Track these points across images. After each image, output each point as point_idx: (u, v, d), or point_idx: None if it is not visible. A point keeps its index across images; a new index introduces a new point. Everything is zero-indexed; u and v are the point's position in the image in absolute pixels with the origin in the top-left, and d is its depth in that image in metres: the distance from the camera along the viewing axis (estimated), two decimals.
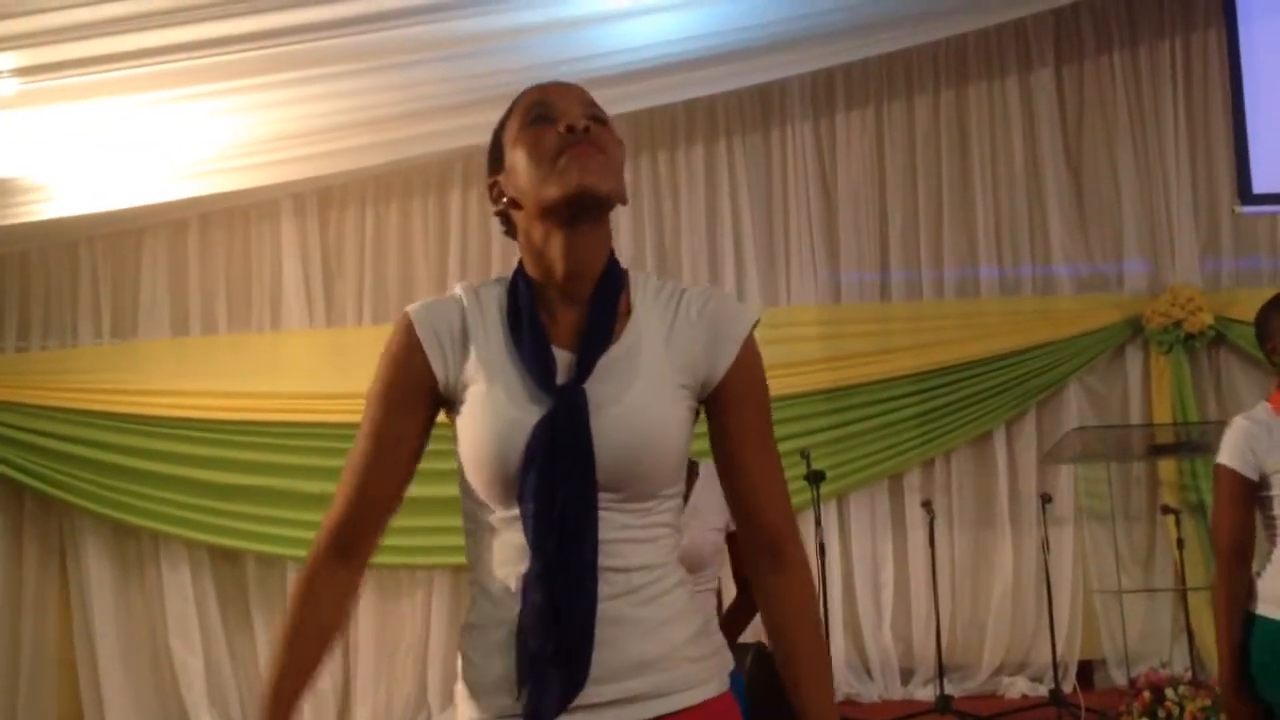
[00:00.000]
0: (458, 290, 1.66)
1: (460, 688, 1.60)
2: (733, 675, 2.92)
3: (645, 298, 1.63)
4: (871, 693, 6.79)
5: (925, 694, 6.56)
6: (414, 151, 6.69)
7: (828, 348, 6.92)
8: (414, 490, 6.23)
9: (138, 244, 7.02)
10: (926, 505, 6.58)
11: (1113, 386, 7.18)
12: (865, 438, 6.91)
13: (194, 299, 7.01)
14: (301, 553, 6.81)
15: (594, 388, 1.54)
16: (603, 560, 1.54)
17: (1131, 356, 7.17)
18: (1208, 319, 6.88)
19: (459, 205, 7.18)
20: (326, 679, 6.52)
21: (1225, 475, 2.93)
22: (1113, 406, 7.14)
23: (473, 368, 1.60)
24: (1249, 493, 2.91)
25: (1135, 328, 7.08)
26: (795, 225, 7.26)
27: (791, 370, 6.80)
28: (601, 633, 1.52)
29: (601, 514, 1.53)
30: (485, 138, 1.73)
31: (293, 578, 6.52)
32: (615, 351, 1.58)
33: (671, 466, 1.57)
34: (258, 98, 5.98)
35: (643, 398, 1.55)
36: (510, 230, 1.68)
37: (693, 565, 2.85)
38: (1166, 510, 6.55)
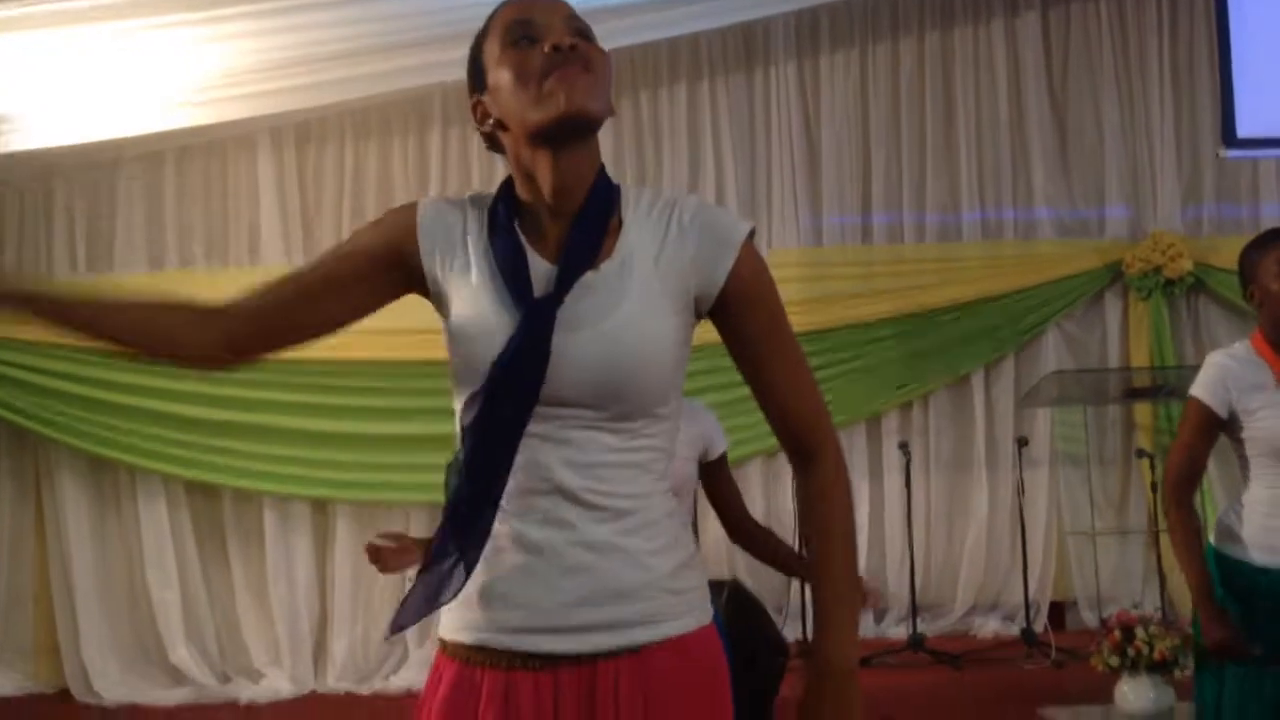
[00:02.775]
0: (467, 196, 1.66)
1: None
2: (715, 612, 2.96)
3: (637, 213, 1.61)
4: None
5: (898, 633, 6.63)
6: (393, 85, 6.60)
7: (808, 290, 6.92)
8: (394, 427, 6.22)
9: (113, 177, 6.93)
10: (903, 447, 6.62)
11: (1091, 332, 7.22)
12: (843, 379, 6.93)
13: (171, 233, 6.94)
14: (279, 488, 6.82)
15: (577, 304, 1.54)
16: (590, 484, 1.53)
17: (1111, 302, 7.22)
18: (1187, 265, 6.92)
19: (438, 141, 7.11)
20: (303, 613, 6.55)
21: (1194, 406, 2.96)
22: (1091, 352, 7.18)
23: (460, 275, 1.60)
24: (1213, 428, 2.94)
25: (1115, 273, 7.11)
26: (778, 167, 7.23)
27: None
28: (584, 558, 1.53)
29: (587, 434, 1.53)
30: (465, 73, 1.69)
31: (270, 514, 6.62)
32: (605, 268, 1.57)
33: (659, 384, 1.56)
34: (235, 27, 5.89)
35: (629, 314, 1.54)
36: (494, 147, 1.66)
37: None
38: (1141, 454, 6.62)
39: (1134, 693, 4.47)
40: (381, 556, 3.04)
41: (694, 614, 1.60)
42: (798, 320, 7.24)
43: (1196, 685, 3.06)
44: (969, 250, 7.20)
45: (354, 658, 6.55)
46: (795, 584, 6.52)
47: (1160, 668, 4.42)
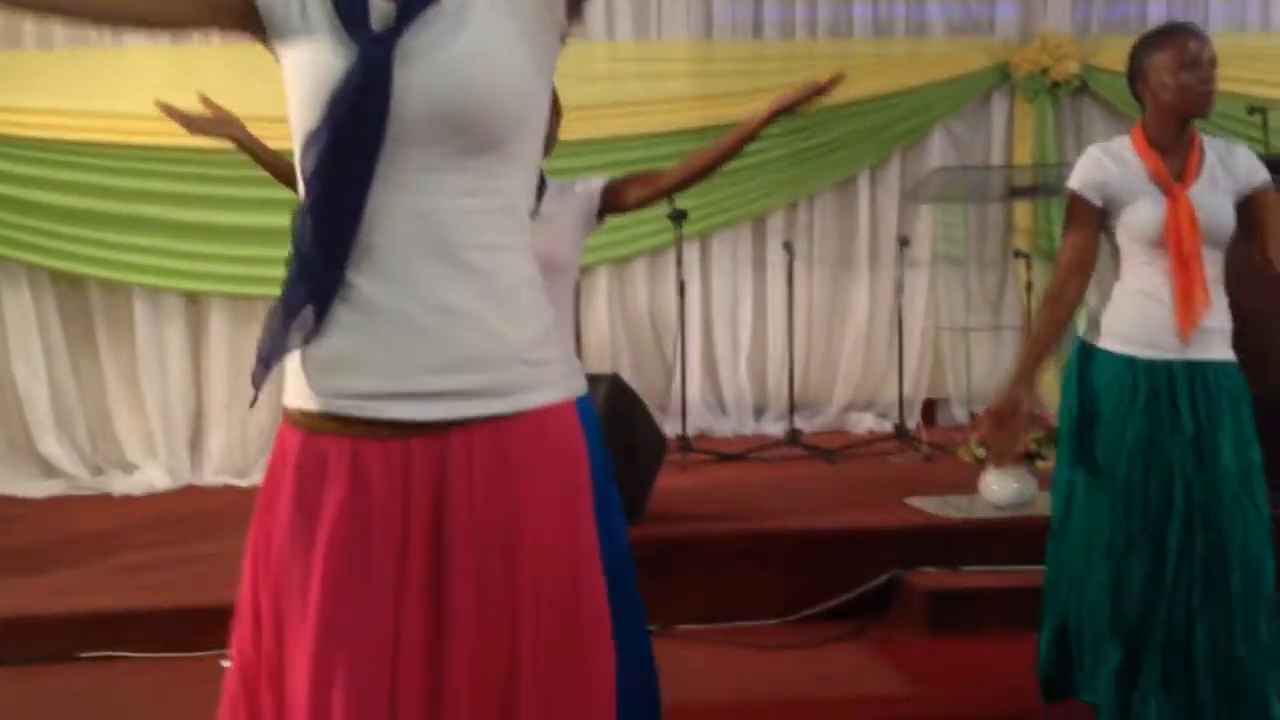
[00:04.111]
0: None
1: None
2: (583, 399, 2.95)
3: None
4: (725, 428, 6.98)
5: (776, 429, 6.77)
6: None
7: (697, 86, 6.80)
8: (268, 219, 6.00)
9: None
10: (788, 247, 6.63)
11: (977, 133, 7.24)
12: (730, 177, 6.87)
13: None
14: (149, 280, 6.60)
15: (417, 38, 1.47)
16: (441, 235, 1.48)
17: (997, 103, 7.23)
18: (1074, 68, 6.94)
19: None
20: (178, 406, 6.45)
21: (1072, 199, 2.99)
22: (975, 153, 7.22)
23: (298, 13, 1.53)
24: (1094, 217, 2.97)
25: (1003, 74, 7.10)
26: None
27: (661, 107, 6.72)
28: (434, 322, 1.47)
29: (437, 177, 1.48)
30: None
31: (141, 306, 6.43)
32: (446, 2, 1.50)
33: (506, 114, 1.50)
34: None
35: (470, 43, 1.48)
36: None
37: (549, 269, 2.81)
38: (1019, 254, 6.74)
39: (998, 483, 4.62)
40: (178, 114, 2.88)
41: (552, 388, 1.55)
42: (687, 117, 7.13)
43: (1054, 475, 3.16)
44: (859, 48, 7.11)
45: (231, 451, 6.49)
46: (676, 382, 6.58)
47: (1025, 458, 4.57)
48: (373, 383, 1.48)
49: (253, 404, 1.64)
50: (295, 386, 1.53)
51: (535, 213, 2.92)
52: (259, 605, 1.52)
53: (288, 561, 1.49)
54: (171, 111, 2.87)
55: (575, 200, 2.97)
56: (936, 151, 7.15)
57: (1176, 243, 2.87)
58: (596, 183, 2.99)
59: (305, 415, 1.52)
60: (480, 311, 1.49)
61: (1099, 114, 7.12)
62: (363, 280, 1.47)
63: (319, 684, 1.44)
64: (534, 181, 1.60)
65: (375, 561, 1.46)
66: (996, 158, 7.19)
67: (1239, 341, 3.03)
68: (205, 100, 2.94)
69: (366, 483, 1.47)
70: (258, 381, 1.53)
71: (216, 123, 2.94)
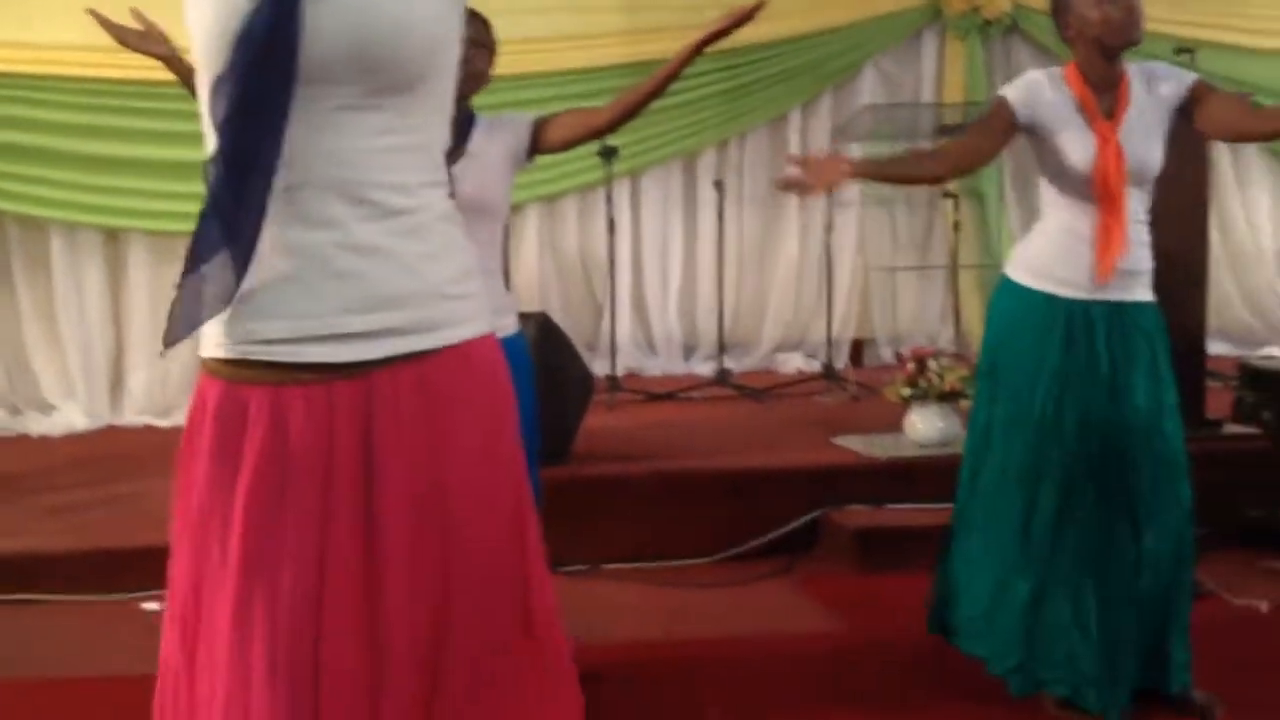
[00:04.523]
0: None
1: None
2: (515, 337, 2.92)
3: None
4: (654, 367, 6.99)
5: (706, 369, 6.77)
6: None
7: (628, 21, 6.71)
8: (189, 153, 5.85)
9: None
10: (718, 185, 6.60)
11: (907, 71, 7.24)
12: (661, 115, 6.81)
13: None
14: (63, 215, 6.46)
15: None
16: (356, 175, 1.44)
17: (928, 41, 7.24)
18: (1005, 5, 6.97)
19: None
20: (97, 345, 6.31)
21: (999, 102, 3.00)
22: (905, 91, 7.23)
23: None
24: (1009, 128, 2.97)
25: (935, 12, 7.09)
26: None
27: (589, 42, 6.64)
28: (351, 262, 1.44)
29: (351, 116, 1.43)
30: None
31: (57, 242, 6.26)
32: None
33: (420, 52, 1.45)
34: None
35: None
36: None
37: (478, 208, 2.77)
38: (947, 195, 6.78)
39: (923, 421, 4.67)
40: (111, 25, 2.81)
41: (474, 321, 1.53)
42: (617, 53, 7.04)
43: (972, 410, 3.20)
44: None
45: (152, 390, 6.37)
46: (606, 321, 6.56)
47: (949, 398, 4.62)
48: (291, 327, 1.44)
49: (163, 354, 1.59)
50: (211, 335, 1.49)
51: (464, 150, 2.88)
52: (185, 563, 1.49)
53: (207, 515, 1.46)
54: (105, 22, 2.79)
55: (504, 137, 2.92)
56: (867, 90, 7.15)
57: (1103, 184, 2.89)
58: (526, 120, 2.94)
59: (223, 364, 1.49)
60: (398, 250, 1.46)
61: (1029, 53, 7.13)
62: (277, 224, 1.43)
63: (239, 626, 1.42)
64: (449, 118, 1.56)
65: (298, 505, 1.44)
66: (927, 96, 7.20)
67: (1159, 282, 3.06)
68: (137, 14, 2.85)
69: (287, 429, 1.44)
70: (169, 342, 1.47)
71: (147, 38, 2.85)
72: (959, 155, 3.03)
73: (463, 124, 2.88)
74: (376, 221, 1.45)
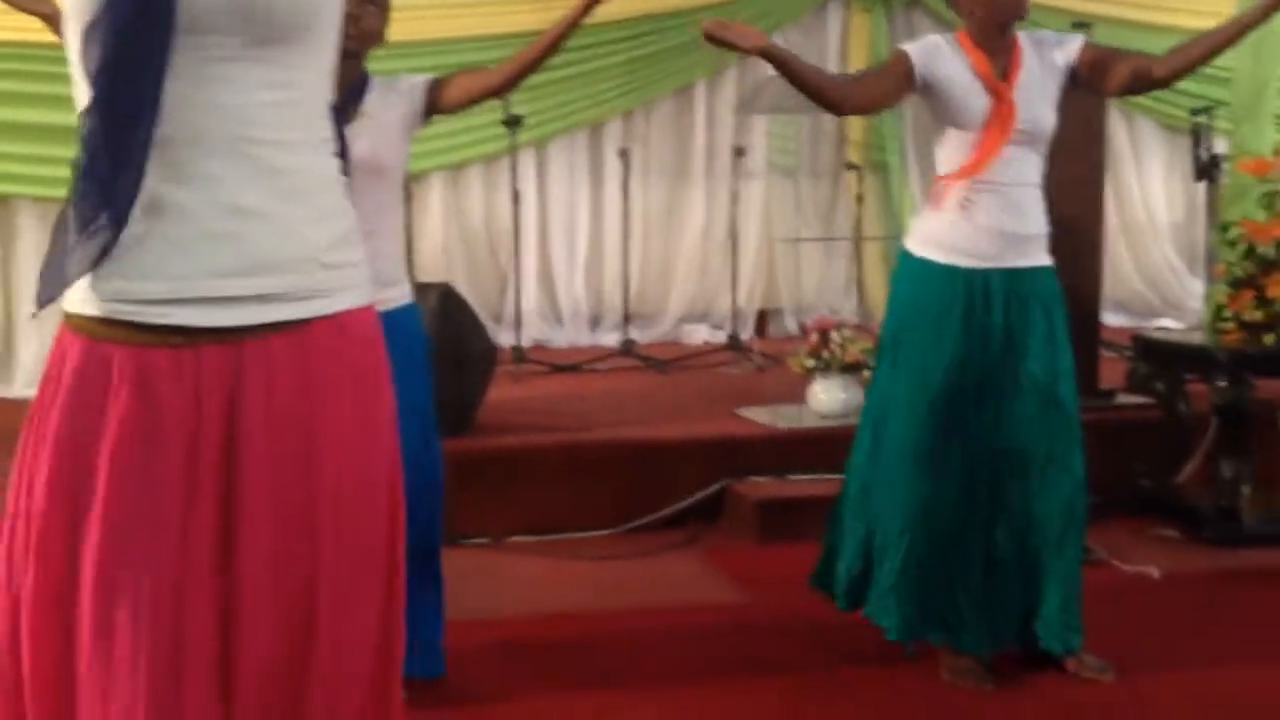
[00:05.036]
0: None
1: None
2: (408, 308, 2.87)
3: None
4: (560, 338, 6.95)
5: (611, 339, 6.75)
6: None
7: None
8: (76, 119, 5.60)
9: None
10: (623, 155, 6.57)
11: (812, 43, 7.25)
12: (566, 84, 6.76)
13: None
14: None
15: None
16: (238, 129, 1.39)
17: (833, 13, 7.28)
18: None
19: None
20: None
21: (896, 55, 3.03)
22: (810, 63, 7.21)
23: None
24: (903, 80, 3.00)
25: None
26: None
27: (495, 9, 6.54)
28: (229, 224, 1.39)
29: (233, 68, 1.38)
30: None
31: None
32: None
33: (304, 3, 1.40)
34: None
35: None
36: None
37: (372, 171, 2.72)
38: (850, 166, 6.81)
39: (826, 392, 4.70)
40: None
41: (353, 291, 1.49)
42: (525, 20, 6.94)
43: (872, 384, 3.23)
44: None
45: (43, 362, 6.15)
46: (511, 292, 6.51)
47: (851, 369, 4.65)
48: (161, 287, 1.39)
49: (34, 315, 1.52)
50: (76, 290, 1.43)
51: (358, 111, 2.81)
52: (29, 531, 1.42)
53: (64, 477, 1.40)
54: None
55: (399, 98, 2.87)
56: None
57: (996, 135, 2.93)
58: (422, 81, 2.89)
59: (87, 320, 1.42)
60: (276, 212, 1.41)
61: (931, 26, 7.14)
62: (151, 180, 1.38)
63: (102, 601, 1.37)
64: (332, 75, 1.51)
65: (163, 476, 1.39)
66: (832, 68, 7.20)
67: (1055, 251, 3.10)
68: None
69: (154, 394, 1.39)
70: (42, 302, 1.41)
71: None
72: (858, 94, 3.04)
73: (357, 85, 2.83)
74: (255, 181, 1.40)
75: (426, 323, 3.33)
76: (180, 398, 1.39)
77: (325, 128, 1.49)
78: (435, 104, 2.88)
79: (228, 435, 1.40)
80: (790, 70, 2.89)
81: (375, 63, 2.93)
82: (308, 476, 1.42)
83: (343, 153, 1.55)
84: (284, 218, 1.42)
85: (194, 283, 1.39)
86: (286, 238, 1.42)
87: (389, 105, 2.85)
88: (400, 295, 2.83)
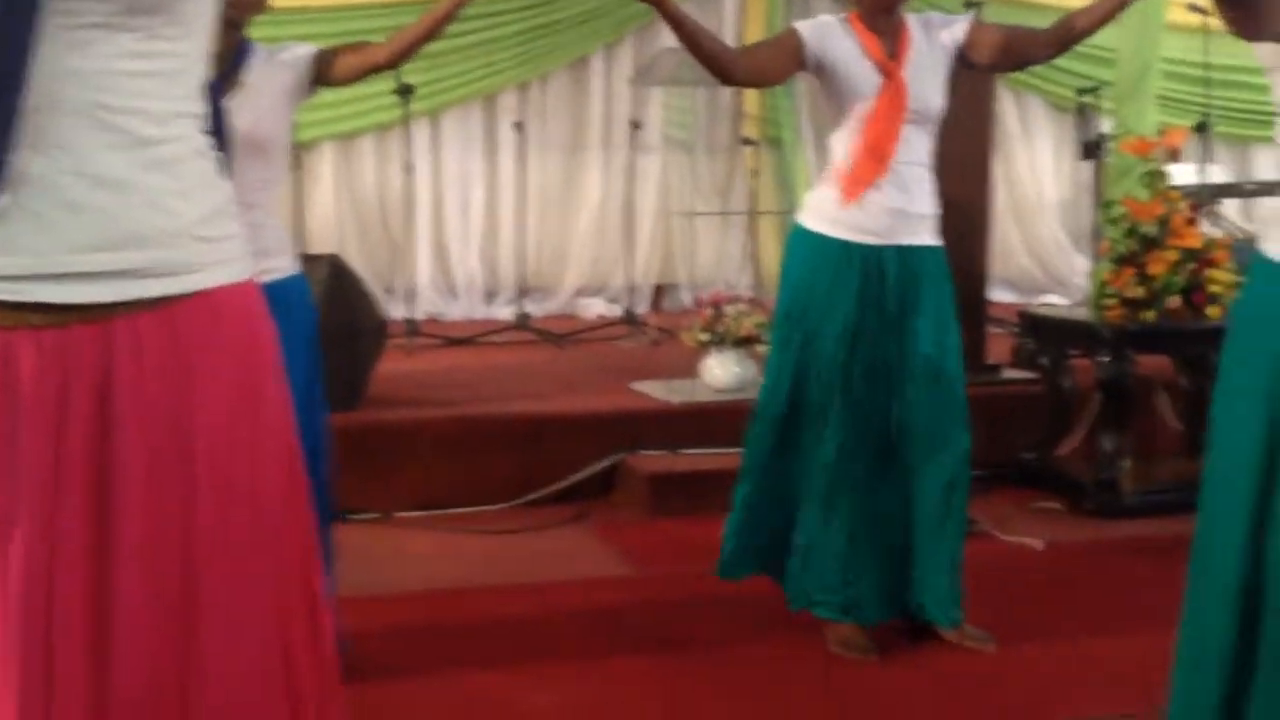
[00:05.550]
0: None
1: None
2: (293, 279, 2.81)
3: None
4: (455, 311, 6.89)
5: (506, 313, 6.70)
6: None
7: None
8: None
9: None
10: (518, 127, 6.50)
11: (708, 16, 7.22)
12: (459, 54, 6.67)
13: None
14: None
15: None
16: (104, 98, 1.32)
17: None
18: None
19: None
20: None
21: (787, 31, 3.05)
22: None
23: None
24: (793, 55, 3.00)
25: None
26: None
27: None
28: (93, 195, 1.32)
29: (100, 33, 1.31)
30: None
31: None
32: None
33: None
34: None
35: None
36: None
37: (254, 143, 2.64)
38: (747, 142, 6.82)
39: (720, 366, 4.71)
40: None
41: (228, 266, 1.43)
42: None
43: (768, 357, 3.24)
44: None
45: None
46: (404, 265, 6.43)
47: (745, 343, 4.67)
48: (20, 263, 1.32)
49: None
50: None
51: (239, 81, 2.73)
52: None
53: None
54: None
55: (283, 69, 2.78)
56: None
57: (885, 114, 2.95)
58: (307, 51, 2.81)
59: None
60: (145, 184, 1.35)
61: (826, 5, 7.22)
62: (18, 152, 1.31)
63: None
64: (208, 44, 1.45)
65: (27, 462, 1.32)
66: (727, 41, 7.21)
67: (944, 228, 3.14)
68: None
69: (16, 375, 1.32)
70: None
71: None
72: (747, 64, 3.04)
73: (238, 53, 2.74)
74: (122, 151, 1.34)
75: (315, 295, 3.26)
76: (44, 379, 1.32)
77: (198, 100, 1.43)
78: (322, 77, 2.81)
79: (98, 416, 1.34)
80: (685, 31, 2.89)
81: (259, 29, 2.85)
82: (183, 457, 1.37)
83: (219, 125, 1.49)
84: (151, 189, 1.36)
85: (57, 258, 1.32)
86: (154, 210, 1.36)
87: (272, 75, 2.76)
88: (285, 266, 2.76)
